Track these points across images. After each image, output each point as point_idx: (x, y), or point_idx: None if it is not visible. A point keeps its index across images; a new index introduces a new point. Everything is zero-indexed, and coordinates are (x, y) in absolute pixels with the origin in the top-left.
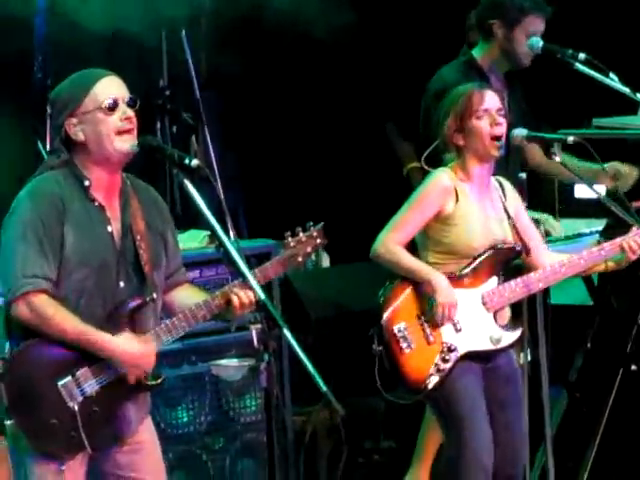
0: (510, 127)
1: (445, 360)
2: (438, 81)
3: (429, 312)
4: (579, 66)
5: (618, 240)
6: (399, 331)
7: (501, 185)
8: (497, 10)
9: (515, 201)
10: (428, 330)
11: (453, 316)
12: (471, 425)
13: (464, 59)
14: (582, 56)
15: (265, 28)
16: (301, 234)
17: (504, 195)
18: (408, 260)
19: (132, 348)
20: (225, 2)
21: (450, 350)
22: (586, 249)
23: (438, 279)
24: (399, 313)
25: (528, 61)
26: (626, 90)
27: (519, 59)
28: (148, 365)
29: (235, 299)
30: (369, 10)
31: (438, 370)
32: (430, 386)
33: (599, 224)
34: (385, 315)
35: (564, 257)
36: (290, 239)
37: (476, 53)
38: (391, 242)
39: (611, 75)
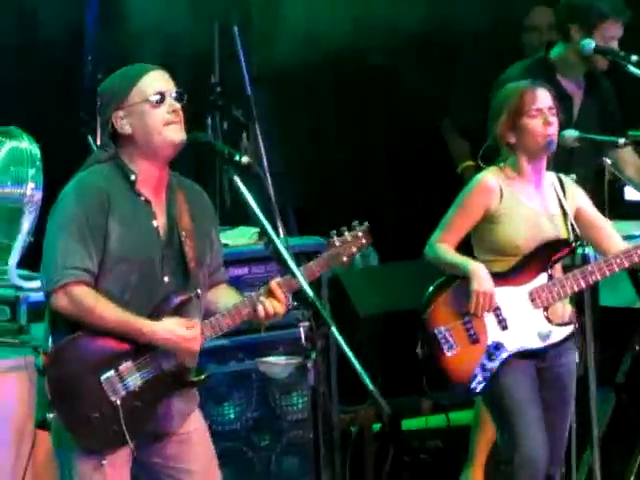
0: (583, 129)
1: (491, 359)
2: (503, 78)
3: (473, 307)
4: (631, 68)
5: None
6: (439, 333)
7: (561, 181)
8: (576, 14)
9: (577, 197)
10: (472, 329)
11: (492, 306)
12: (525, 429)
13: (536, 57)
14: (634, 58)
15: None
16: (346, 233)
17: (563, 191)
18: (451, 256)
19: (173, 330)
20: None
21: (497, 348)
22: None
23: (475, 267)
24: (440, 314)
25: (605, 64)
26: None
27: (595, 62)
28: (192, 348)
29: (260, 309)
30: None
31: (484, 369)
32: (475, 385)
33: None
34: (425, 317)
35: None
36: (335, 238)
37: (553, 53)
38: (439, 241)
39: None
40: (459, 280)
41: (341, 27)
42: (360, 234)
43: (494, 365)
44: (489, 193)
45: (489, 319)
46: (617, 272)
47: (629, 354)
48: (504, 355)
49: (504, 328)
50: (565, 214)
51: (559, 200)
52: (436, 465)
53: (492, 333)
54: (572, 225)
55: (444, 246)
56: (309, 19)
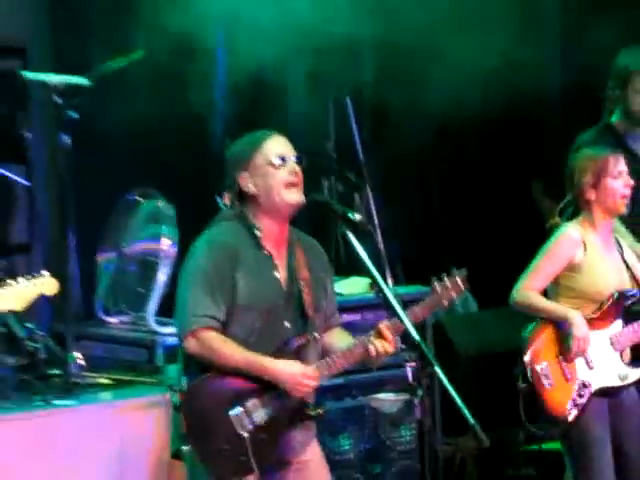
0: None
1: (581, 395)
2: (578, 143)
3: (566, 350)
4: None
5: None
6: (541, 369)
7: (616, 238)
8: (612, 75)
9: (631, 252)
10: (566, 368)
11: (587, 349)
12: (600, 466)
13: (601, 124)
14: None
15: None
16: (446, 280)
17: (620, 247)
18: (545, 302)
19: (293, 369)
20: (384, 72)
21: (585, 386)
22: None
23: (575, 315)
24: (540, 353)
25: None
26: None
27: (636, 116)
28: (308, 386)
29: (372, 349)
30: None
31: (575, 405)
32: (570, 418)
33: None
34: (528, 355)
35: None
36: (436, 284)
37: (613, 118)
38: (527, 289)
39: None
40: (552, 324)
41: (440, 99)
42: (458, 280)
43: (583, 401)
44: (574, 244)
45: (579, 359)
46: None
47: None
48: (590, 392)
49: (591, 368)
50: (628, 267)
51: (620, 255)
52: None
53: (581, 372)
54: (634, 278)
55: (534, 293)
56: (416, 93)
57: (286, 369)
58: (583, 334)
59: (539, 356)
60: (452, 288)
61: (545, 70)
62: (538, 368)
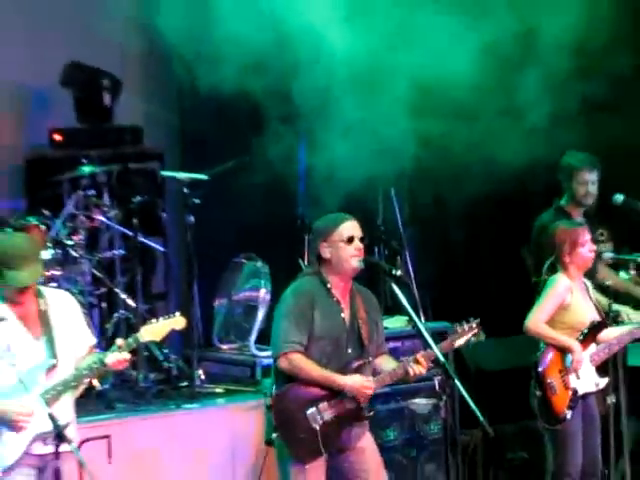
0: None
1: (573, 400)
2: (539, 222)
3: (565, 367)
4: None
5: None
6: (549, 382)
7: (585, 284)
8: (561, 171)
9: (594, 295)
10: (565, 380)
11: (577, 369)
12: (574, 450)
13: (554, 206)
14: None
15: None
16: (465, 325)
17: (588, 290)
18: (552, 332)
19: (356, 380)
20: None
21: (575, 393)
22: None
23: (575, 344)
24: (548, 370)
25: (590, 201)
26: None
27: (582, 202)
28: (366, 394)
29: (411, 371)
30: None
31: (570, 407)
32: (568, 417)
33: None
34: (540, 372)
35: (627, 328)
36: (458, 328)
37: (562, 202)
38: (537, 322)
39: None
40: (555, 349)
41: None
42: (474, 325)
43: (574, 404)
44: (567, 290)
45: (572, 374)
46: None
47: None
48: (578, 397)
49: (579, 378)
50: (594, 305)
51: (589, 295)
52: (523, 469)
53: (573, 382)
54: (598, 312)
55: (544, 326)
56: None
57: (351, 381)
58: (580, 358)
59: (547, 372)
60: (469, 331)
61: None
62: (548, 381)
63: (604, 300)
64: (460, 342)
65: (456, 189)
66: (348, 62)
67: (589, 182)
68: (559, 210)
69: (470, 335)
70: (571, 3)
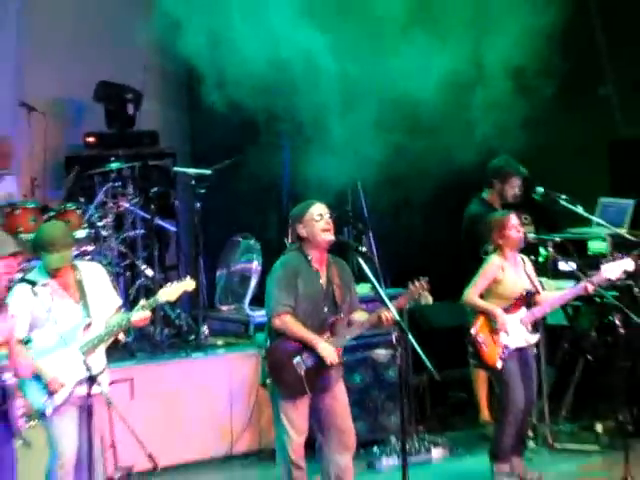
0: None
1: (504, 352)
2: (468, 214)
3: (493, 328)
4: (562, 202)
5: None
6: (480, 338)
7: (523, 259)
8: (492, 172)
9: (530, 268)
10: (494, 337)
11: (506, 329)
12: (514, 387)
13: (479, 199)
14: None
15: None
16: (416, 283)
17: (524, 265)
18: (483, 303)
19: (325, 350)
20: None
21: (506, 347)
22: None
23: (498, 311)
24: (479, 329)
25: (514, 200)
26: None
27: (509, 200)
28: (333, 361)
29: (383, 317)
30: None
31: (501, 358)
32: (498, 366)
33: (571, 283)
34: (473, 331)
35: (554, 295)
36: (410, 286)
37: (484, 194)
38: (471, 295)
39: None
40: (484, 314)
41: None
42: (423, 283)
43: (505, 356)
44: (498, 267)
45: (502, 333)
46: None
47: (560, 350)
48: (509, 350)
49: (509, 335)
50: (528, 276)
51: (524, 270)
52: (462, 406)
53: (504, 339)
54: (531, 282)
55: (477, 298)
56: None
57: (325, 349)
58: (503, 321)
59: (479, 331)
60: (420, 287)
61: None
62: (479, 339)
63: None
64: (412, 299)
65: (413, 184)
66: (328, 85)
67: (517, 186)
68: (483, 202)
69: (421, 292)
70: (511, 39)
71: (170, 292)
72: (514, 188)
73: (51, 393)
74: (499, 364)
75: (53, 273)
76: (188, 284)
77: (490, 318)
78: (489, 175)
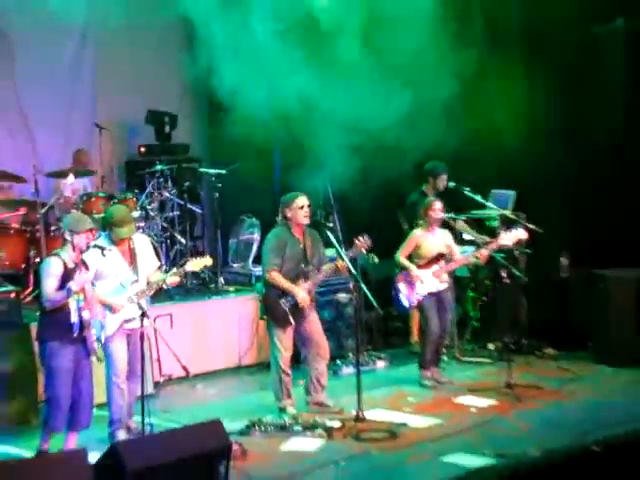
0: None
1: (418, 295)
2: (410, 200)
3: (410, 279)
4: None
5: (475, 253)
6: (401, 285)
7: (442, 233)
8: (426, 172)
9: (449, 238)
10: (412, 285)
11: (420, 279)
12: (431, 319)
13: (419, 190)
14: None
15: None
16: (361, 239)
17: (443, 234)
18: (405, 261)
19: (299, 294)
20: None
21: (418, 292)
22: (469, 254)
23: (414, 268)
24: (400, 279)
25: (443, 189)
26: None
27: (439, 190)
28: (306, 300)
29: (339, 265)
30: None
31: (417, 300)
32: (413, 305)
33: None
34: (396, 280)
35: (461, 257)
36: (356, 240)
37: (423, 187)
38: (400, 256)
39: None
40: (405, 269)
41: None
42: (367, 239)
43: (420, 297)
44: (418, 237)
45: (418, 282)
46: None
47: (465, 293)
48: (423, 294)
49: (422, 283)
50: (445, 245)
51: (443, 240)
52: (399, 331)
53: (419, 287)
54: (447, 247)
55: (402, 257)
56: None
57: (301, 296)
58: (416, 274)
59: (400, 280)
60: (365, 242)
61: None
62: (399, 286)
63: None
64: (359, 252)
65: (365, 182)
66: (307, 117)
67: (445, 181)
68: (421, 192)
69: (367, 246)
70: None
71: (195, 264)
72: (443, 182)
73: (113, 313)
74: (413, 303)
75: (118, 242)
76: (208, 260)
77: (407, 272)
78: (425, 174)
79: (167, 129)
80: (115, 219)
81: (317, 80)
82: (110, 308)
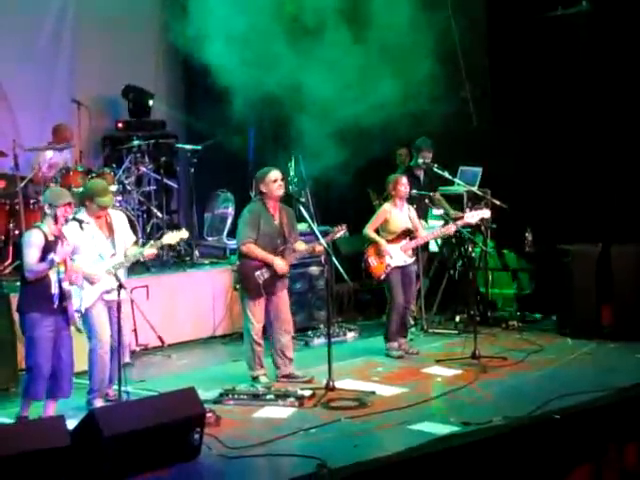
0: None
1: (387, 268)
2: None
3: (379, 252)
4: (436, 170)
5: (442, 229)
6: (371, 259)
7: (409, 208)
8: (416, 148)
9: (414, 214)
10: (382, 259)
11: (388, 252)
12: (397, 292)
13: (406, 166)
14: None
15: None
16: (338, 226)
17: (409, 209)
18: (374, 236)
19: (278, 264)
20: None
21: (388, 265)
22: (436, 230)
23: (383, 242)
24: (370, 253)
25: (425, 164)
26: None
27: (424, 164)
28: (282, 271)
29: (316, 248)
30: None
31: (385, 273)
32: (382, 277)
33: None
34: (365, 254)
35: (427, 232)
36: (336, 228)
37: (412, 163)
38: (369, 230)
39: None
40: (375, 243)
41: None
42: (344, 226)
43: (388, 270)
44: (387, 212)
45: (387, 255)
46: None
47: (432, 267)
48: (391, 267)
49: (391, 258)
50: (410, 218)
51: (407, 213)
52: (370, 303)
53: (388, 260)
54: (411, 221)
55: (371, 232)
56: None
57: (278, 263)
58: (385, 248)
59: (370, 254)
60: (342, 228)
61: None
62: (369, 260)
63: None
64: (336, 236)
65: (340, 163)
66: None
67: (429, 156)
68: (409, 169)
69: (341, 232)
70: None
71: (171, 237)
72: (428, 157)
73: (91, 285)
74: (383, 276)
75: (97, 214)
76: (183, 234)
77: (377, 246)
78: (413, 149)
79: (144, 104)
80: (97, 189)
81: (295, 57)
82: (89, 280)
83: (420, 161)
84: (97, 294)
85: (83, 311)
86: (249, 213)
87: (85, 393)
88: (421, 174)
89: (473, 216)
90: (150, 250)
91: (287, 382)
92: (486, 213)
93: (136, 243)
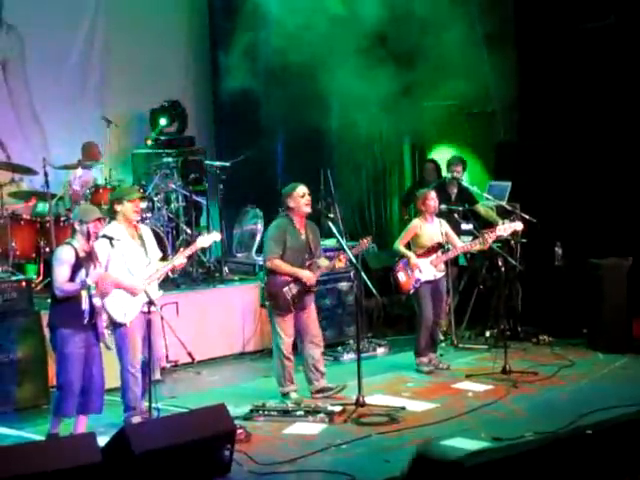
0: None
1: (417, 283)
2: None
3: (409, 267)
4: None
5: (476, 241)
6: (400, 273)
7: (440, 222)
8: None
9: (446, 227)
10: (410, 273)
11: (418, 268)
12: (426, 306)
13: (438, 182)
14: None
15: None
16: (364, 239)
17: (440, 223)
18: (404, 250)
19: (306, 275)
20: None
21: (417, 280)
22: (471, 242)
23: (413, 256)
24: (399, 267)
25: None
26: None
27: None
28: (311, 282)
29: (337, 264)
30: None
31: (414, 287)
32: (411, 292)
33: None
34: (395, 268)
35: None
36: (360, 240)
37: (446, 179)
38: (398, 244)
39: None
40: (402, 258)
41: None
42: (369, 238)
43: (417, 286)
44: (414, 227)
45: (416, 270)
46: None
47: (462, 282)
48: (420, 282)
49: (421, 272)
50: (442, 232)
51: (439, 227)
52: (403, 319)
53: (417, 274)
54: (444, 236)
55: (402, 247)
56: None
57: (305, 274)
58: (415, 262)
59: (399, 270)
60: (366, 241)
61: None
62: (398, 275)
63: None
64: (363, 249)
65: (357, 175)
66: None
67: (459, 170)
68: (441, 184)
69: (367, 244)
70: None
71: (204, 240)
72: (456, 172)
73: (132, 296)
74: (411, 290)
75: (129, 219)
76: (216, 236)
77: (407, 260)
78: (447, 164)
79: (174, 122)
80: (124, 190)
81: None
82: (130, 291)
83: (449, 175)
84: (139, 307)
85: (129, 324)
86: (275, 228)
87: (116, 410)
88: (454, 189)
89: (505, 229)
90: (180, 260)
91: (321, 397)
92: (518, 225)
93: (163, 259)
